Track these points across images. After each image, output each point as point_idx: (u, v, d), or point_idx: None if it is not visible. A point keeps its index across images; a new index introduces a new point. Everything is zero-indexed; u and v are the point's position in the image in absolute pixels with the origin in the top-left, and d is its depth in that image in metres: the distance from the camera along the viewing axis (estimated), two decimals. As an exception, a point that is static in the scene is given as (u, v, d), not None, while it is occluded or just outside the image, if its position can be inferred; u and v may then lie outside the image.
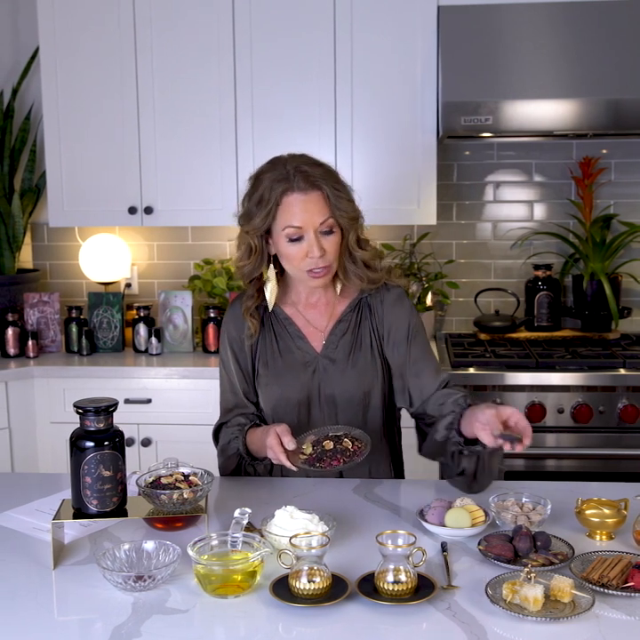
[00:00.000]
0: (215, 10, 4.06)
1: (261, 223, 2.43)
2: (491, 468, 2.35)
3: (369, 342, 2.55)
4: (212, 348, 4.24)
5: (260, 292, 2.57)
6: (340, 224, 2.42)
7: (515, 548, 1.97)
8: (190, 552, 1.86)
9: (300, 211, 2.38)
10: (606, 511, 2.10)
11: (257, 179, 2.46)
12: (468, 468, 2.32)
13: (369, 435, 2.31)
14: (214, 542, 1.94)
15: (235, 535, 1.94)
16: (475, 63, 3.86)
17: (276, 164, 2.45)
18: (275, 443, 2.22)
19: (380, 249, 2.62)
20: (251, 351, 2.59)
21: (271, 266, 2.52)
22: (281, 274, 2.57)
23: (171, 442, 3.96)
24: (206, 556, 1.89)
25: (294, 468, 2.22)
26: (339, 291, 2.58)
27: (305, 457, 2.24)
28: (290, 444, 2.21)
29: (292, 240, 2.40)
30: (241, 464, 2.53)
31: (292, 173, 2.39)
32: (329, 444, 2.24)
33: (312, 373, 2.54)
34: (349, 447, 2.23)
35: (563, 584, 1.76)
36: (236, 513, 1.98)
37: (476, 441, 2.25)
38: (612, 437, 3.73)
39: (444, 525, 2.12)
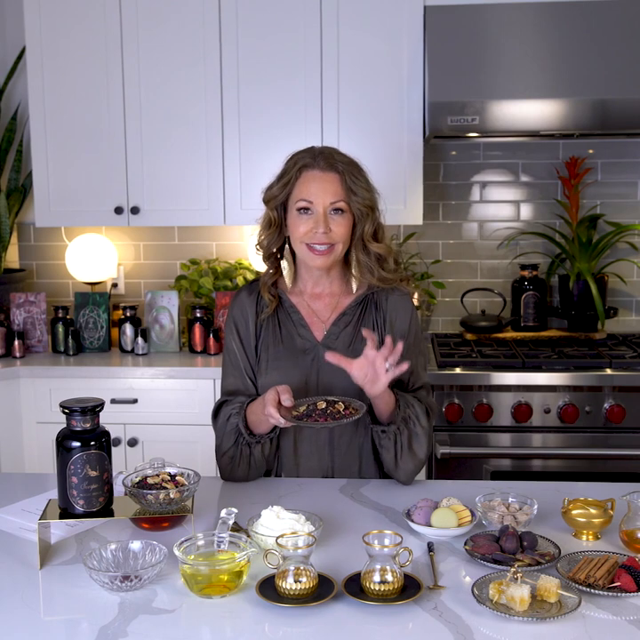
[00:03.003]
0: (202, 9, 4.05)
1: (279, 191, 2.53)
2: (412, 449, 2.45)
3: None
4: (199, 348, 4.23)
5: (278, 269, 2.65)
6: (352, 210, 2.51)
7: (501, 548, 1.97)
8: (177, 552, 1.86)
9: (315, 187, 2.48)
10: (593, 511, 2.11)
11: (288, 159, 2.58)
12: (386, 449, 2.44)
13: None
14: (200, 542, 1.94)
15: (221, 535, 1.94)
16: (461, 63, 3.86)
17: (308, 148, 2.59)
18: (271, 397, 2.31)
19: (395, 249, 2.68)
20: (255, 335, 2.62)
21: (287, 246, 2.60)
22: (293, 260, 2.64)
23: (157, 442, 3.96)
24: (193, 556, 1.89)
25: (282, 422, 2.28)
26: (355, 288, 2.63)
27: (296, 414, 2.32)
28: (287, 400, 2.30)
29: (301, 211, 2.49)
30: (238, 443, 2.49)
31: (317, 154, 2.53)
32: (322, 405, 2.32)
33: (311, 361, 2.57)
34: (341, 410, 2.30)
35: (549, 584, 1.77)
36: (223, 513, 1.98)
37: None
38: (599, 437, 3.74)
39: (430, 525, 2.12)
